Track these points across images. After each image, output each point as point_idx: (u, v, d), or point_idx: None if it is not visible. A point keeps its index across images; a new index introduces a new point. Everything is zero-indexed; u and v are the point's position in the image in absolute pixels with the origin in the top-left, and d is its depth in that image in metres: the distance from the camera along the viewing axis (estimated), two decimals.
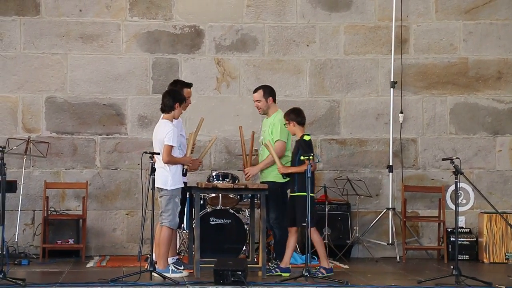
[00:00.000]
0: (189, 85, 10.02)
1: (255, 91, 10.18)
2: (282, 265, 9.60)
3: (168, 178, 9.31)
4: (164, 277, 8.89)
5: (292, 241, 9.61)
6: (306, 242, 9.23)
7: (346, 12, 12.04)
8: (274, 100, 10.15)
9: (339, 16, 12.04)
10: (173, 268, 9.36)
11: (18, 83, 11.71)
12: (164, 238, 9.34)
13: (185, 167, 9.46)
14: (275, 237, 10.06)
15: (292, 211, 9.57)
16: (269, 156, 9.88)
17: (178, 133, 9.55)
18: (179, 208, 9.40)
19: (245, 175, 10.00)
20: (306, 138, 9.61)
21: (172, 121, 9.46)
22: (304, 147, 9.53)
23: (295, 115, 9.70)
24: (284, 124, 9.73)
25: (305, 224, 9.39)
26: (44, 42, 11.73)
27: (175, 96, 9.53)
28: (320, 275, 9.32)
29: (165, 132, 9.35)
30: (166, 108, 9.50)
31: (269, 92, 10.13)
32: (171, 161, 9.32)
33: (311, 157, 9.21)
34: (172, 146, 9.31)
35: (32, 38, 11.72)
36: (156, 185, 9.30)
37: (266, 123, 10.12)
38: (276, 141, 9.90)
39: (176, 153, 9.40)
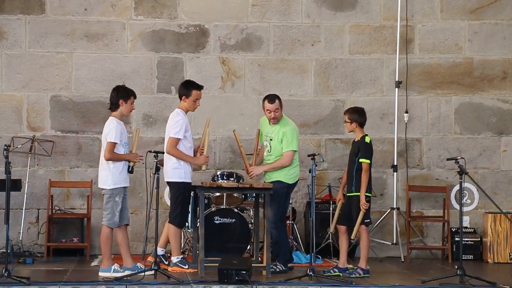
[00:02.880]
0: (199, 87, 9.97)
1: (272, 101, 9.86)
2: (340, 265, 9.70)
3: (108, 177, 9.29)
4: (169, 276, 8.91)
5: (343, 240, 9.66)
6: (310, 242, 9.23)
7: (351, 12, 12.04)
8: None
9: (344, 15, 12.03)
10: (116, 268, 9.32)
11: (23, 82, 11.72)
12: (102, 237, 9.34)
13: (131, 164, 9.38)
14: (272, 238, 9.97)
15: (347, 212, 9.61)
16: (276, 162, 9.83)
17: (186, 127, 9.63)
18: (120, 207, 9.32)
19: (249, 173, 9.96)
20: (367, 139, 9.63)
21: (121, 119, 9.45)
22: (364, 149, 9.54)
23: (359, 116, 9.69)
24: (345, 122, 9.69)
25: (367, 221, 9.45)
26: (49, 40, 11.75)
27: (118, 92, 9.47)
28: (357, 275, 9.43)
29: (108, 129, 9.33)
30: (112, 105, 9.47)
31: (281, 100, 10.03)
32: (113, 158, 9.27)
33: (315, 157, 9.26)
34: (114, 143, 9.26)
35: (37, 36, 11.73)
36: (99, 185, 9.39)
37: (272, 130, 9.97)
38: (286, 151, 9.84)
39: (121, 151, 9.37)
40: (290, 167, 9.88)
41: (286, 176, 9.87)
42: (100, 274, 9.29)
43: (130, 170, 9.36)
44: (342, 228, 9.65)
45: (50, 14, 11.76)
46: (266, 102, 9.93)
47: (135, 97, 9.56)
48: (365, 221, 9.57)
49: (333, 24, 12.03)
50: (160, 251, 9.77)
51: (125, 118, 11.69)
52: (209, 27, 11.93)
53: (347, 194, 9.68)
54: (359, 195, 9.50)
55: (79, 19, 11.80)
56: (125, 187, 9.39)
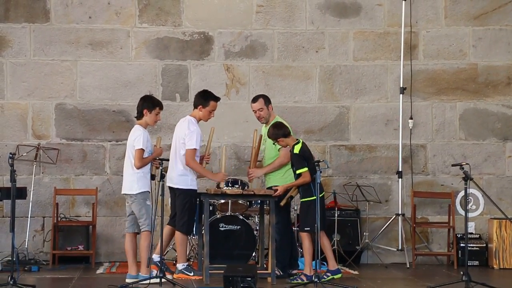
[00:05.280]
0: (217, 99, 10.05)
1: (254, 100, 10.25)
2: (330, 267, 9.71)
3: (133, 182, 9.30)
4: (174, 283, 8.91)
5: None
6: (316, 248, 9.22)
7: (355, 18, 12.04)
8: (272, 108, 10.24)
9: (348, 22, 12.04)
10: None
11: (28, 90, 11.74)
12: (144, 243, 9.29)
13: (152, 172, 9.45)
14: (275, 243, 9.96)
15: (304, 216, 9.64)
16: (275, 161, 9.92)
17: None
18: (150, 209, 9.39)
19: (249, 175, 10.04)
20: (296, 149, 9.62)
21: (145, 128, 9.49)
22: (297, 160, 9.56)
23: (278, 130, 9.68)
24: (274, 143, 9.72)
25: (307, 229, 9.45)
26: (54, 49, 11.77)
27: (144, 102, 9.54)
28: (299, 280, 9.40)
29: (134, 137, 9.38)
30: (137, 114, 9.56)
31: (268, 99, 10.21)
32: (143, 165, 9.35)
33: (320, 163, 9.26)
34: (142, 150, 9.32)
35: (42, 45, 11.75)
36: (123, 192, 9.42)
37: (266, 131, 10.12)
38: (280, 149, 9.91)
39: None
40: (284, 170, 9.92)
41: (282, 180, 9.90)
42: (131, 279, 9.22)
43: (153, 178, 9.42)
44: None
45: (55, 22, 11.78)
46: (251, 102, 10.19)
47: (161, 108, 9.65)
48: (305, 228, 9.53)
49: (337, 30, 12.03)
50: (157, 257, 9.73)
51: (129, 126, 11.74)
52: (214, 34, 11.95)
53: (300, 200, 9.71)
54: (306, 201, 9.52)
55: (83, 27, 11.82)
56: (149, 192, 9.45)
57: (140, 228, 9.33)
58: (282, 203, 9.73)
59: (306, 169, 9.49)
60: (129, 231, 9.52)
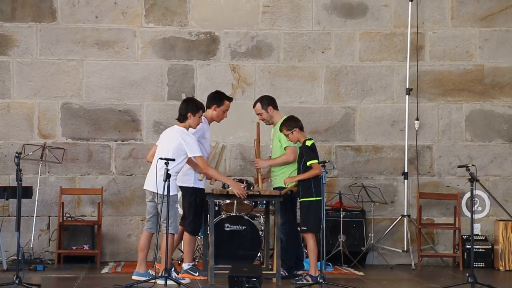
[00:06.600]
0: (230, 99, 10.13)
1: (254, 105, 10.29)
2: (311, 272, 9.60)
3: (173, 183, 9.25)
4: (179, 283, 8.91)
5: (310, 246, 9.59)
6: (320, 249, 9.21)
7: (362, 19, 12.04)
8: (275, 108, 10.19)
9: (354, 23, 12.03)
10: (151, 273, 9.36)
11: (34, 89, 11.75)
12: (170, 246, 9.18)
13: (211, 183, 9.68)
14: (281, 243, 9.95)
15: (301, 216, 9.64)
16: (281, 156, 9.93)
17: (205, 135, 9.76)
18: (178, 213, 9.44)
19: (255, 164, 10.12)
20: (308, 143, 9.62)
21: (188, 130, 9.46)
22: (308, 152, 9.53)
23: (295, 122, 9.70)
24: (287, 135, 9.69)
25: (304, 228, 9.45)
26: (60, 48, 11.78)
27: (188, 105, 9.50)
28: (305, 281, 9.35)
29: (182, 140, 9.28)
30: (180, 116, 9.49)
31: (267, 102, 10.20)
32: (212, 172, 9.50)
33: (326, 164, 9.24)
34: (202, 157, 9.40)
35: (48, 44, 11.76)
36: (150, 190, 9.37)
37: (273, 132, 10.19)
38: (286, 147, 9.92)
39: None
40: (289, 170, 9.90)
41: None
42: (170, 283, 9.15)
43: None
44: (311, 236, 9.60)
45: (61, 21, 11.79)
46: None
47: (203, 111, 9.62)
48: (303, 228, 9.53)
49: (343, 31, 12.03)
50: (186, 265, 9.73)
51: (135, 125, 11.79)
52: (220, 35, 11.95)
53: (300, 200, 9.70)
54: (305, 201, 9.49)
55: (90, 26, 11.83)
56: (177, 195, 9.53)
57: (165, 229, 9.23)
58: (282, 192, 9.70)
59: (316, 161, 9.47)
60: (151, 231, 9.47)
